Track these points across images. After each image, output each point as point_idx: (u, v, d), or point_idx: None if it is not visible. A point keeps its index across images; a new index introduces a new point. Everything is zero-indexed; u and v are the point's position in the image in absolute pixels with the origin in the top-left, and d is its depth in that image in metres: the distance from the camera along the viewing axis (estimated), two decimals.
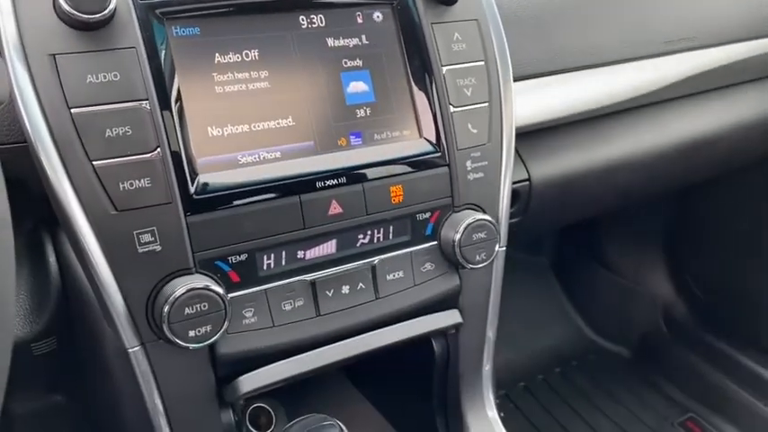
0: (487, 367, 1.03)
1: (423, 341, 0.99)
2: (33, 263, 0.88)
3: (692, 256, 2.16)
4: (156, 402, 0.79)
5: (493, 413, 1.02)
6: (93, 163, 0.69)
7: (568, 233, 2.37)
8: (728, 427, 1.94)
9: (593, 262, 2.33)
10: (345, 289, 0.86)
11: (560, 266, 2.44)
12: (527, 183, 1.14)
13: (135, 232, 0.71)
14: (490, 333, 1.03)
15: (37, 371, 1.13)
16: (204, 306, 0.73)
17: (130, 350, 0.75)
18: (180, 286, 0.72)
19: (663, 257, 2.24)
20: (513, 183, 1.11)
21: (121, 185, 0.70)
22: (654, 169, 1.31)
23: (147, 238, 0.72)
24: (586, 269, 2.35)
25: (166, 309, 0.71)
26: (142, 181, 0.71)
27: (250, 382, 0.81)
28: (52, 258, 0.88)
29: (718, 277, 2.08)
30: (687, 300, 2.18)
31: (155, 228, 0.72)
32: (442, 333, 0.98)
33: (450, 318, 0.95)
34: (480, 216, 0.89)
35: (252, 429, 1.03)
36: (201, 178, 0.74)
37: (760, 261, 1.92)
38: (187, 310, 0.72)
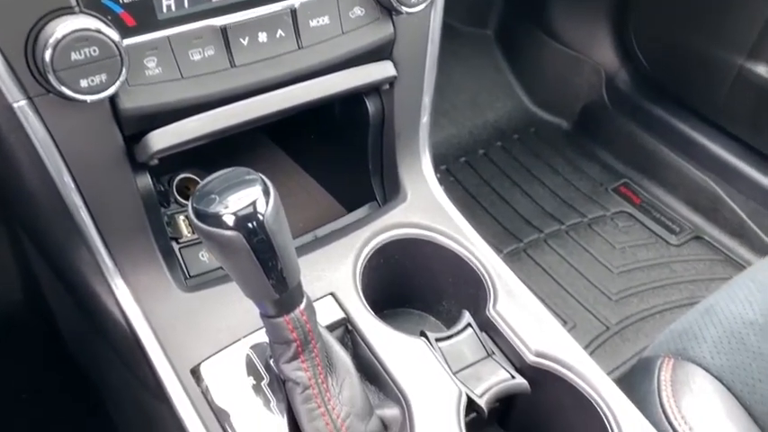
0: (424, 120, 0.97)
1: (355, 99, 0.92)
2: None
3: (639, 24, 2.09)
4: (62, 174, 0.72)
5: (429, 170, 1.00)
6: None
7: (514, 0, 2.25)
8: (659, 190, 2.03)
9: (539, 31, 2.24)
10: (262, 37, 0.76)
11: (505, 38, 2.34)
12: None
13: None
14: (427, 88, 0.96)
15: None
16: (94, 51, 0.63)
17: (15, 105, 0.66)
18: (61, 27, 0.61)
19: (609, 25, 2.16)
20: None
21: None
22: None
23: None
24: (531, 39, 2.27)
25: (48, 53, 0.61)
26: None
27: (161, 139, 0.73)
28: None
29: (663, 46, 2.03)
30: (631, 69, 2.15)
31: None
32: (375, 89, 0.91)
33: (382, 70, 0.87)
34: None
35: (180, 199, 0.98)
36: None
37: (706, 28, 1.86)
38: (74, 56, 0.62)
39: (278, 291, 0.65)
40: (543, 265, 1.83)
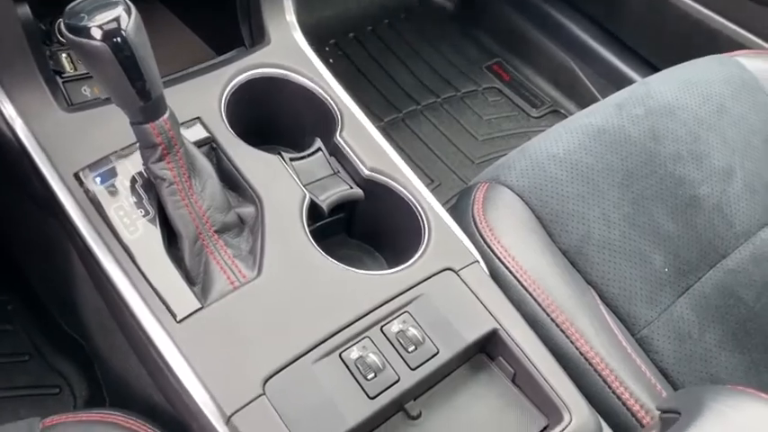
0: None
1: None
2: None
3: None
4: None
5: (291, 17, 1.12)
6: None
7: None
8: (527, 69, 2.24)
9: None
10: None
11: None
12: None
13: None
14: None
15: None
16: None
17: None
18: None
19: None
20: None
21: None
22: None
23: None
24: None
25: None
26: None
27: None
28: None
29: None
30: None
31: None
32: None
33: None
34: None
35: (61, 39, 1.07)
36: None
37: None
38: None
39: (143, 99, 0.78)
40: (418, 133, 2.02)
